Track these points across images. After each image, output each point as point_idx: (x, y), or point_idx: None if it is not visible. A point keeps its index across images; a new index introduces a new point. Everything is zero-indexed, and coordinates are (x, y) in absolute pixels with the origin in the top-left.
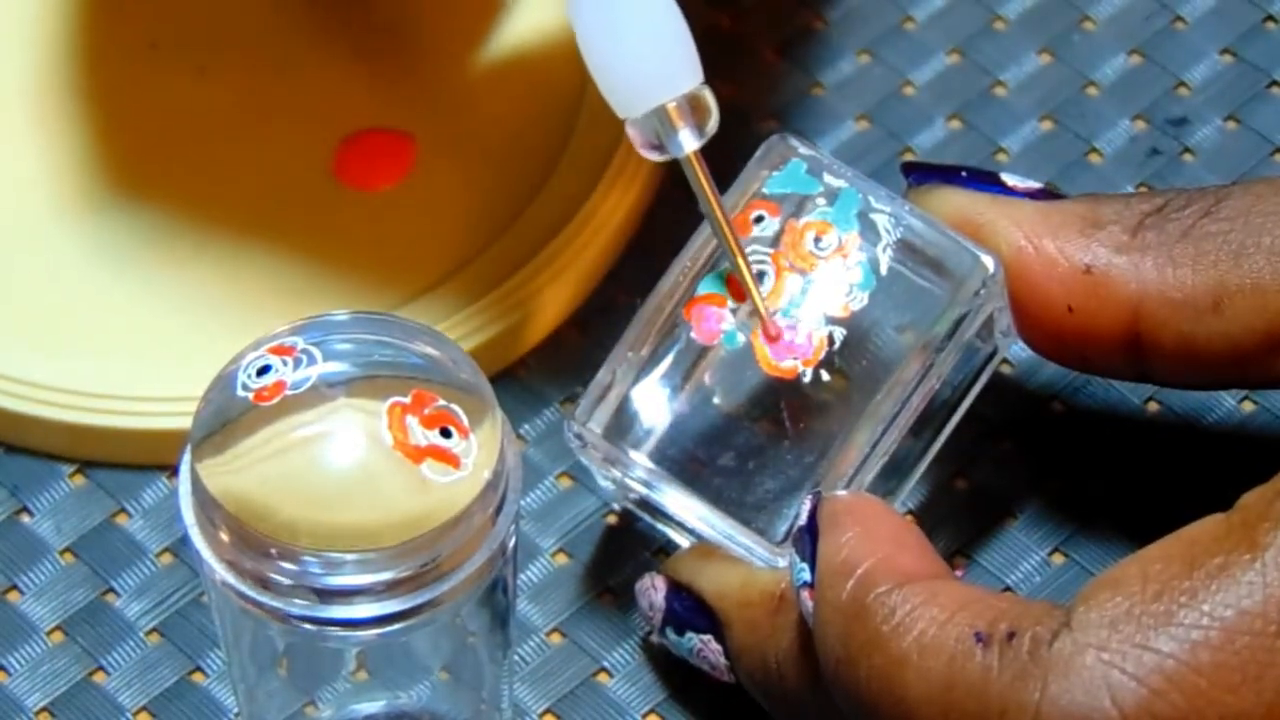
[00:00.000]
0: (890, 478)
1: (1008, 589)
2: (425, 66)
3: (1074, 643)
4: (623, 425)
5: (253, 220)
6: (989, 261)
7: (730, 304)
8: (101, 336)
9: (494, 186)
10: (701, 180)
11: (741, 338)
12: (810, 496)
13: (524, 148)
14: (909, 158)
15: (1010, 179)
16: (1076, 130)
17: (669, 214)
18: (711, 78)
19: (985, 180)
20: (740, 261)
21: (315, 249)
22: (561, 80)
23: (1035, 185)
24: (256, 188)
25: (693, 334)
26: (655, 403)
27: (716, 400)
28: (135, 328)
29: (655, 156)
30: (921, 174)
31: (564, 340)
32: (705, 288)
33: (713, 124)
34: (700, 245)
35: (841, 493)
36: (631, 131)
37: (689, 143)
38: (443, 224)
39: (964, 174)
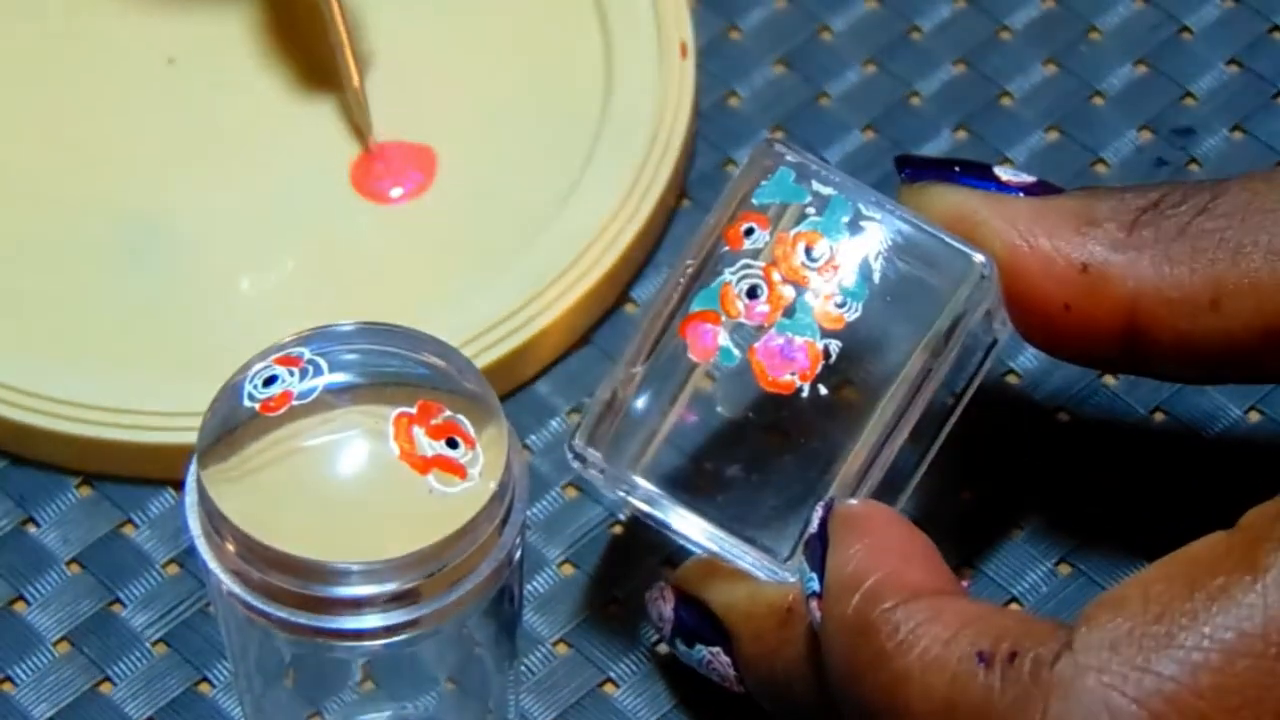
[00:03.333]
0: (891, 484)
1: (1014, 600)
2: (446, 80)
3: (1075, 664)
4: (622, 445)
5: (270, 233)
6: (982, 261)
7: (725, 320)
8: (110, 350)
9: (513, 202)
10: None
11: (737, 354)
12: (822, 504)
13: (544, 164)
14: None
15: (1004, 173)
16: (1083, 141)
17: (685, 232)
18: (719, 88)
19: (979, 175)
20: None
21: (333, 262)
22: (582, 97)
23: (1029, 179)
24: (274, 201)
25: (689, 352)
26: (654, 422)
27: (715, 417)
28: (144, 341)
29: None
30: (915, 168)
31: (571, 352)
32: (699, 304)
33: None
34: (690, 262)
35: (853, 501)
36: None
37: None
38: (461, 239)
39: (957, 169)
